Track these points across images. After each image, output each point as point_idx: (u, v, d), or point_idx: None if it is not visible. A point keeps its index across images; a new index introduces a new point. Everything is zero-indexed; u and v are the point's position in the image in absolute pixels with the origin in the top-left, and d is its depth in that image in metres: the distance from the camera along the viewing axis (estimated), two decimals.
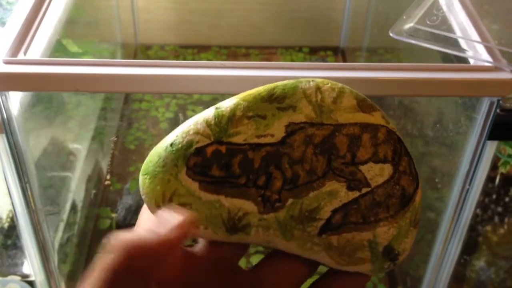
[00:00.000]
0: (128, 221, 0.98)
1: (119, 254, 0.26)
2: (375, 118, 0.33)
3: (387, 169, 0.32)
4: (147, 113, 1.21)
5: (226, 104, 0.32)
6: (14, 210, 0.68)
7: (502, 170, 0.76)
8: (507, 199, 0.84)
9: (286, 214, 0.31)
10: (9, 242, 0.87)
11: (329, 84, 0.33)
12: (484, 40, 0.61)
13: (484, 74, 0.58)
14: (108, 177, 1.09)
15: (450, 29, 0.63)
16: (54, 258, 0.76)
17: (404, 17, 0.62)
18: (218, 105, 0.32)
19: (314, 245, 0.31)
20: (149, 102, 1.23)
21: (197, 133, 0.31)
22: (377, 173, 0.32)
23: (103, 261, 0.26)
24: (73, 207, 0.92)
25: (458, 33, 0.63)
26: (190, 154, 0.31)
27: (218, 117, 0.31)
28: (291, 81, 0.33)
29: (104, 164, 1.10)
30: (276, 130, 0.31)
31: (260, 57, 1.36)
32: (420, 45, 0.60)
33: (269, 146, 0.31)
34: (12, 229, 0.87)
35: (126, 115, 1.22)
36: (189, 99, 1.23)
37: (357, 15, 1.32)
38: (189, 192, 0.31)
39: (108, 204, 1.04)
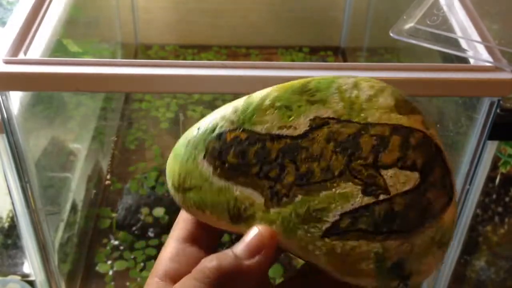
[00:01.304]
0: (128, 221, 0.98)
1: (206, 284, 0.28)
2: (412, 121, 0.30)
3: (414, 177, 0.29)
4: (147, 113, 1.21)
5: (258, 93, 0.31)
6: (14, 210, 0.68)
7: (502, 170, 0.76)
8: (507, 199, 0.84)
9: (292, 211, 0.29)
10: (9, 241, 0.87)
11: (370, 82, 0.31)
12: (484, 40, 0.61)
13: (484, 74, 0.58)
14: (108, 177, 1.09)
15: (450, 29, 0.63)
16: (54, 258, 0.76)
17: (405, 17, 0.62)
18: (251, 94, 0.31)
19: (315, 248, 0.29)
20: (149, 102, 1.23)
21: (223, 118, 0.31)
22: (400, 181, 0.29)
23: None
24: (73, 207, 0.92)
25: (459, 33, 0.63)
26: (211, 138, 0.31)
27: (246, 105, 0.31)
28: (331, 75, 0.31)
29: (105, 164, 1.11)
30: (300, 123, 0.30)
31: (260, 57, 1.36)
32: (421, 45, 0.60)
33: (289, 139, 0.30)
34: (13, 228, 0.87)
35: (126, 115, 1.22)
36: (190, 99, 1.23)
37: (358, 15, 1.32)
38: (202, 176, 0.31)
39: (108, 204, 1.04)
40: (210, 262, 0.28)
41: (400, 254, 0.29)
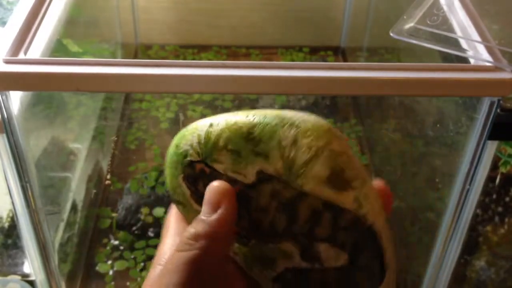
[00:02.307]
0: (129, 221, 0.98)
1: (200, 246, 0.30)
2: (343, 199, 0.29)
3: (343, 257, 0.29)
4: (147, 113, 1.21)
5: (217, 126, 0.32)
6: (15, 210, 0.68)
7: (502, 170, 0.76)
8: (507, 199, 0.84)
9: (249, 250, 0.31)
10: (9, 241, 0.87)
11: (311, 138, 0.30)
12: (484, 40, 0.61)
13: (484, 74, 0.58)
14: (108, 176, 1.09)
15: (450, 29, 0.63)
16: (55, 258, 0.76)
17: (405, 17, 0.62)
18: (212, 121, 0.32)
19: (267, 287, 0.32)
20: (150, 102, 1.23)
21: (191, 145, 0.32)
22: (332, 256, 0.29)
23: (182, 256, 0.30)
24: (74, 207, 0.92)
25: (459, 33, 0.63)
26: (185, 164, 0.33)
27: (207, 139, 0.32)
28: (274, 121, 0.31)
29: (105, 164, 1.11)
30: (249, 173, 0.31)
31: (260, 57, 1.36)
32: (421, 45, 0.60)
33: (241, 185, 0.31)
34: (13, 228, 0.87)
35: (126, 115, 1.22)
36: (190, 99, 1.23)
37: (358, 14, 1.32)
38: (184, 195, 0.33)
39: (108, 204, 1.04)
40: (188, 232, 0.30)
41: None
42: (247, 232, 0.31)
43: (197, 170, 0.32)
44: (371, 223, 0.29)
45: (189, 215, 0.33)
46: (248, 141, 0.31)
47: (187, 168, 0.32)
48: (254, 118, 0.31)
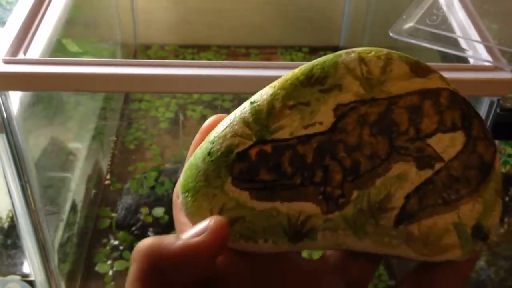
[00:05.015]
0: (128, 221, 0.98)
1: (140, 263, 0.24)
2: (433, 81, 0.28)
3: (459, 137, 0.28)
4: (146, 112, 1.21)
5: (262, 97, 0.28)
6: (14, 210, 0.68)
7: (502, 169, 0.76)
8: (507, 199, 0.84)
9: (354, 209, 0.27)
10: (9, 241, 0.87)
11: (373, 53, 0.28)
12: (484, 39, 0.61)
13: (484, 74, 0.58)
14: (108, 176, 1.09)
15: (450, 28, 0.63)
16: (54, 258, 0.76)
17: (404, 16, 0.62)
18: (252, 98, 0.28)
19: (392, 238, 0.27)
20: (149, 102, 1.23)
21: (235, 135, 0.27)
22: (448, 144, 0.27)
23: (130, 272, 0.25)
24: (73, 207, 0.92)
25: (458, 32, 0.63)
26: (233, 161, 0.27)
27: (256, 113, 0.28)
28: (329, 56, 0.28)
29: (104, 164, 1.11)
30: (324, 116, 0.27)
31: (260, 57, 1.36)
32: (420, 45, 0.60)
33: (319, 136, 0.27)
34: (12, 228, 0.87)
35: (126, 114, 1.22)
36: (189, 99, 1.23)
37: (357, 14, 1.32)
38: (239, 204, 0.27)
39: (108, 204, 1.04)
40: (147, 240, 0.25)
41: (476, 215, 0.28)
42: (342, 187, 0.27)
43: (254, 158, 0.27)
44: (463, 96, 0.28)
45: (254, 225, 0.28)
46: (312, 84, 0.28)
47: (237, 165, 0.27)
48: (305, 66, 0.28)
